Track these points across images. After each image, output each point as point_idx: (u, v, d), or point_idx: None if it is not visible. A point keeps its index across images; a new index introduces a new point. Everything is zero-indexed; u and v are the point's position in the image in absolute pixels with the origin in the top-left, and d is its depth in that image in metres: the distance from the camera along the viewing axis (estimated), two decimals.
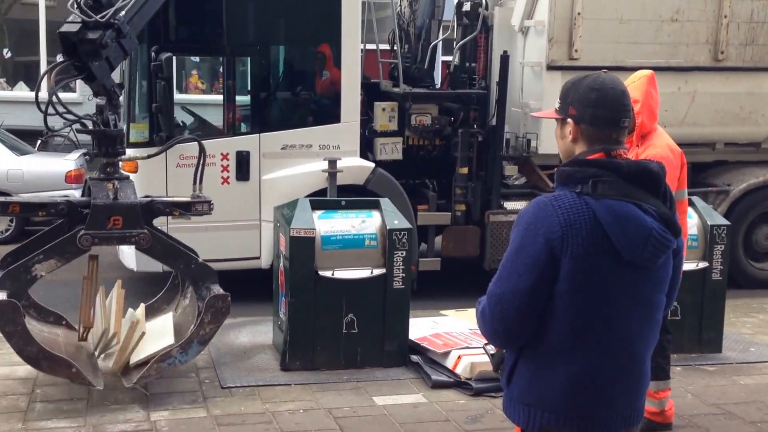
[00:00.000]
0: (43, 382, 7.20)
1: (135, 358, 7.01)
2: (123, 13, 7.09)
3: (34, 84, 20.19)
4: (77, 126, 7.46)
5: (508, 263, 3.28)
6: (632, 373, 3.35)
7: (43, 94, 7.16)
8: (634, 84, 6.09)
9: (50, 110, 6.82)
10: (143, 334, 7.00)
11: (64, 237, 6.93)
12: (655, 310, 3.35)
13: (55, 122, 18.85)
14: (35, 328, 7.14)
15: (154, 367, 6.85)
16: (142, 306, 7.60)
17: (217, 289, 7.07)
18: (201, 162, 7.42)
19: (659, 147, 6.05)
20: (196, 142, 7.68)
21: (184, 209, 7.33)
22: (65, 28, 6.95)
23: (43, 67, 20.08)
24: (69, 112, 7.04)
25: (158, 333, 7.34)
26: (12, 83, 20.51)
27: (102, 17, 6.91)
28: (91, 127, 7.24)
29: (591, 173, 3.23)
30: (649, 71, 6.28)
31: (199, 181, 7.44)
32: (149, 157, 7.73)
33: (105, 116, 7.13)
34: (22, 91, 20.35)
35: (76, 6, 6.94)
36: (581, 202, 3.20)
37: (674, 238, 3.27)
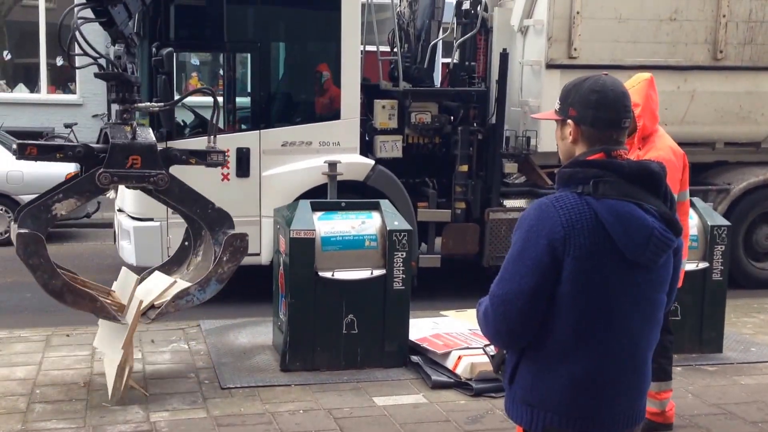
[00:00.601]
0: (42, 382, 7.22)
1: (149, 298, 6.98)
2: None
3: (34, 86, 20.30)
4: (96, 70, 7.44)
5: (510, 265, 3.28)
6: (634, 372, 3.34)
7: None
8: (634, 88, 6.08)
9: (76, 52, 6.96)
10: (138, 278, 7.08)
11: (83, 176, 6.95)
12: (657, 310, 3.36)
13: (56, 124, 18.91)
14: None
15: (172, 303, 6.93)
16: (124, 269, 7.67)
17: (233, 231, 7.12)
18: (215, 115, 7.48)
19: (661, 149, 6.04)
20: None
21: (200, 158, 7.38)
22: None
23: (43, 69, 20.17)
24: (93, 49, 7.05)
25: (165, 282, 7.39)
26: (12, 85, 20.53)
27: None
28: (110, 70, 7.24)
29: (592, 174, 3.23)
30: (648, 74, 6.28)
31: (214, 134, 7.48)
32: (165, 107, 7.72)
33: (123, 62, 7.13)
34: (21, 93, 20.40)
35: None
36: (583, 202, 3.21)
37: (675, 238, 3.27)
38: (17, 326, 8.84)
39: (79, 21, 6.87)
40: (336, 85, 10.24)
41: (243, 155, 9.84)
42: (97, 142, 7.46)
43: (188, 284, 7.14)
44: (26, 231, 6.53)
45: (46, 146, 7.24)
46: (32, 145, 7.11)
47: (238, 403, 6.92)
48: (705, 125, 10.88)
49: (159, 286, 7.15)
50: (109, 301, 6.96)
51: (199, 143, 9.64)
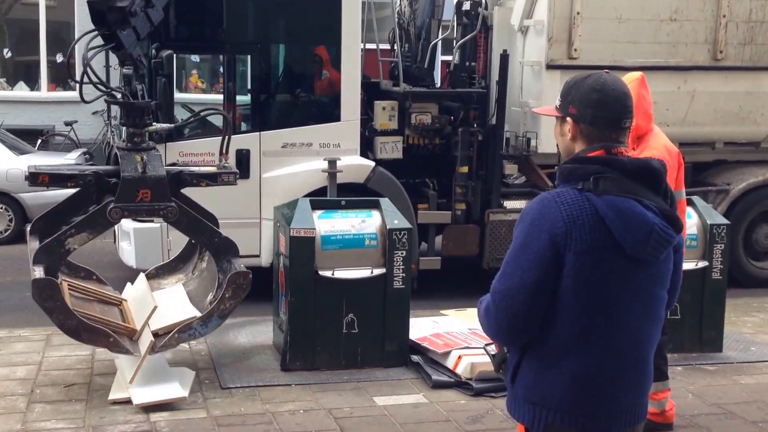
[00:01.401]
0: (42, 382, 7.23)
1: (156, 325, 7.10)
2: None
3: (34, 84, 20.30)
4: (107, 97, 7.64)
5: (512, 260, 3.29)
6: (635, 369, 3.36)
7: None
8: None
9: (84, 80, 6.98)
10: (155, 307, 7.10)
11: (95, 210, 7.07)
12: (658, 306, 3.38)
13: (56, 122, 18.94)
14: (68, 284, 7.30)
15: (175, 336, 7.02)
16: (142, 277, 7.79)
17: (239, 265, 7.20)
18: (227, 135, 7.55)
19: (656, 148, 6.07)
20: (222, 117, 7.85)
21: (210, 180, 7.50)
22: None
23: (43, 66, 20.17)
24: (101, 82, 7.25)
25: (175, 302, 7.51)
26: (12, 83, 20.56)
27: None
28: (120, 98, 7.37)
29: (593, 170, 3.26)
30: (639, 73, 6.31)
31: (226, 152, 7.58)
32: (175, 127, 7.76)
33: (133, 87, 7.25)
34: (22, 91, 20.40)
35: None
36: (583, 198, 3.23)
37: (676, 234, 3.29)
38: (17, 325, 8.86)
39: (90, 53, 6.96)
40: (336, 86, 10.26)
41: (243, 157, 9.85)
42: (107, 162, 7.52)
43: (192, 310, 7.29)
44: (41, 277, 6.64)
45: (58, 175, 7.40)
46: (44, 173, 7.31)
47: (239, 402, 6.92)
48: (705, 125, 10.89)
49: (169, 315, 7.25)
50: (121, 326, 7.11)
51: (201, 143, 9.74)
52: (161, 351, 7.07)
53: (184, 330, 7.04)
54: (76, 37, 6.96)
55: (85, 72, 6.89)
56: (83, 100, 7.52)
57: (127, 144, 7.26)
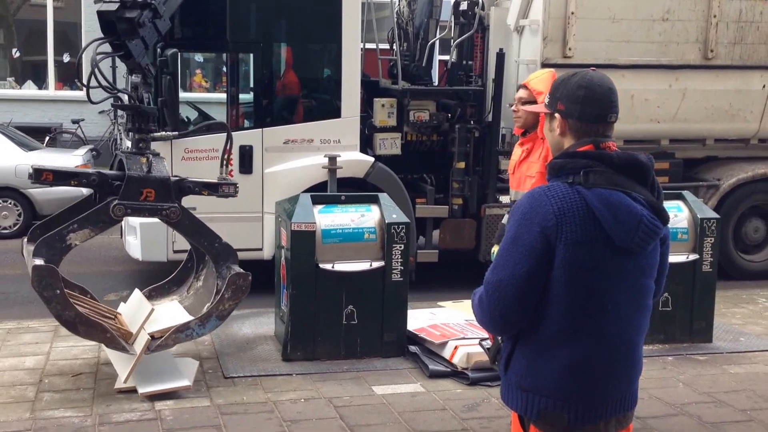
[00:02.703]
0: (51, 372, 7.28)
1: (151, 328, 7.01)
2: None
3: (42, 83, 20.36)
4: (113, 101, 7.68)
5: (504, 252, 3.34)
6: (626, 357, 3.41)
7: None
8: (537, 78, 6.21)
9: (92, 84, 7.07)
10: (152, 310, 7.08)
11: (98, 207, 7.05)
12: (646, 295, 3.44)
13: (63, 119, 19.06)
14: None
15: (172, 336, 6.96)
16: (137, 291, 7.71)
17: (237, 268, 7.20)
18: (228, 148, 7.60)
19: None
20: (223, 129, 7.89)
21: (212, 190, 7.48)
22: (104, 7, 7.13)
23: (51, 66, 20.27)
24: (110, 85, 7.27)
25: (171, 311, 7.46)
26: (21, 82, 20.62)
27: None
28: (126, 102, 7.40)
29: (582, 164, 3.31)
30: (551, 69, 6.32)
31: (225, 165, 7.63)
32: (180, 136, 7.84)
33: (140, 93, 7.31)
34: (30, 90, 20.50)
35: None
36: (573, 191, 3.28)
37: (663, 225, 3.37)
38: (26, 317, 8.91)
39: (99, 57, 7.04)
40: (336, 84, 10.34)
41: (246, 153, 9.93)
42: (111, 168, 7.61)
43: (189, 318, 7.19)
44: (41, 264, 6.60)
45: (62, 172, 7.34)
46: (48, 170, 7.24)
47: (241, 392, 6.98)
48: (696, 122, 10.94)
49: (165, 321, 7.19)
50: (116, 328, 7.05)
51: (206, 139, 9.83)
52: (158, 351, 6.98)
53: (182, 330, 6.99)
54: (83, 38, 7.09)
55: (92, 74, 6.95)
56: (91, 101, 7.59)
57: (132, 149, 7.30)
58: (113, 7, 7.08)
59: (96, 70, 6.93)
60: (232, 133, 7.88)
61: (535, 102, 5.86)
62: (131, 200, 7.01)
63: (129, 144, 7.63)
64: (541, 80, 6.16)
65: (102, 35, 7.25)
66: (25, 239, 7.55)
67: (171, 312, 7.45)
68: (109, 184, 7.14)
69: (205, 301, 7.45)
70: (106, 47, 7.27)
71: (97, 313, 7.32)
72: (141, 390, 6.82)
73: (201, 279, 7.95)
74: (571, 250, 3.25)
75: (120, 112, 8.23)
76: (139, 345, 6.87)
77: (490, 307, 3.37)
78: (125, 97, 7.42)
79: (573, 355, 3.32)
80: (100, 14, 7.15)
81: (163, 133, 7.78)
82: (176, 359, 7.42)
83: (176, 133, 7.88)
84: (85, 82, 7.16)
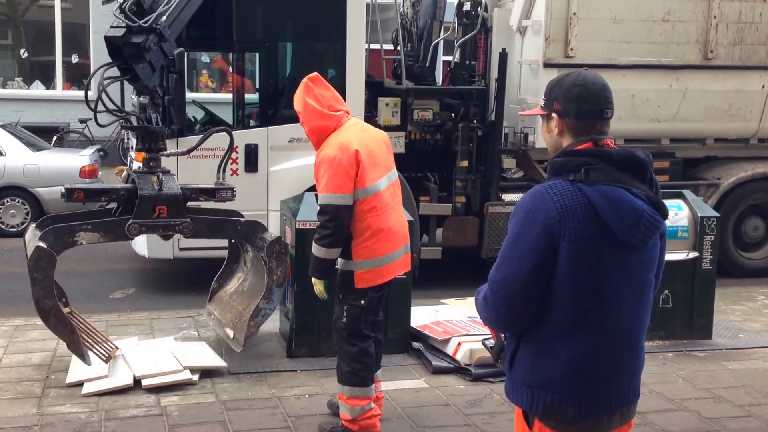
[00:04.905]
0: (57, 368, 7.34)
1: (140, 371, 7.17)
2: (164, 18, 7.39)
3: (50, 83, 20.45)
4: (123, 122, 7.84)
5: (508, 250, 3.36)
6: (630, 351, 3.44)
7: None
8: (294, 97, 6.14)
9: (99, 107, 7.19)
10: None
11: (115, 219, 7.25)
12: (647, 290, 3.47)
13: (71, 119, 19.02)
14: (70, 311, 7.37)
15: (251, 324, 7.26)
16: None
17: (269, 236, 7.37)
18: (228, 153, 7.70)
19: (329, 147, 5.93)
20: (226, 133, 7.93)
21: (209, 195, 7.61)
22: (111, 32, 7.26)
23: (59, 66, 20.38)
24: (118, 108, 7.44)
25: (163, 352, 7.59)
26: (29, 82, 20.74)
27: (145, 22, 7.21)
28: (135, 123, 7.55)
29: (583, 162, 3.34)
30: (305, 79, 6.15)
31: (222, 170, 7.71)
32: (189, 152, 7.93)
33: (148, 114, 7.45)
34: (38, 90, 20.63)
35: (120, 12, 7.24)
36: (575, 188, 3.31)
37: (663, 220, 3.41)
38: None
39: (106, 82, 7.16)
40: (341, 84, 10.36)
41: (251, 151, 10.02)
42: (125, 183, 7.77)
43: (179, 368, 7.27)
44: (44, 246, 6.72)
45: (92, 190, 7.56)
46: (80, 189, 7.45)
47: (246, 387, 7.04)
48: (696, 122, 11.00)
49: (149, 365, 7.28)
50: (86, 338, 7.14)
51: (210, 140, 9.91)
52: (247, 343, 7.29)
53: (255, 315, 7.25)
54: (91, 38, 7.21)
55: (99, 98, 7.08)
56: (98, 125, 7.71)
57: (143, 169, 7.44)
58: (120, 32, 7.20)
59: (103, 95, 7.06)
60: (236, 132, 7.93)
61: None
62: (145, 218, 7.17)
63: (135, 143, 7.71)
64: (295, 98, 6.15)
65: (110, 60, 7.39)
66: (34, 224, 7.71)
67: (162, 352, 7.58)
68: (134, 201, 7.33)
69: (260, 269, 7.59)
70: (114, 71, 7.39)
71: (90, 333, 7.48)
72: (145, 383, 6.95)
73: (248, 250, 8.15)
74: (575, 246, 3.28)
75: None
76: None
77: (495, 305, 3.40)
78: (134, 119, 7.56)
79: (577, 349, 3.35)
80: (108, 40, 7.28)
81: (172, 150, 7.94)
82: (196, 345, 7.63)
83: (185, 150, 7.97)
84: (92, 106, 7.28)
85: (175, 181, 7.43)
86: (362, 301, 6.05)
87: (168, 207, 7.22)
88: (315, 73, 6.19)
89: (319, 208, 5.95)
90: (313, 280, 6.08)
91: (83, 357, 6.92)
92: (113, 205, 7.72)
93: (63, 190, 7.33)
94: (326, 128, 6.01)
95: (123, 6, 7.27)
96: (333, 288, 6.21)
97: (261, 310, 7.27)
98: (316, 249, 5.96)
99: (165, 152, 7.60)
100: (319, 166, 5.92)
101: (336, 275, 6.09)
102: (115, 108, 7.38)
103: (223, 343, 7.97)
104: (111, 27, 7.33)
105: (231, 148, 7.71)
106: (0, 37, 21.93)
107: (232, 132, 7.97)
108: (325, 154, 5.89)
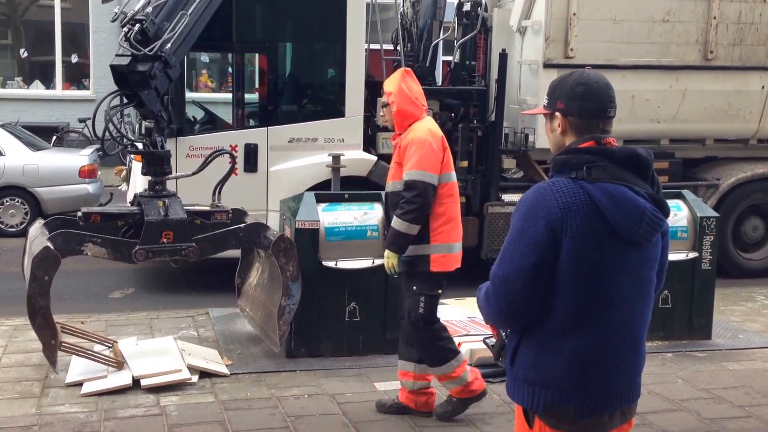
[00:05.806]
0: (57, 368, 7.26)
1: (139, 371, 7.17)
2: (169, 45, 7.41)
3: (49, 82, 20.54)
4: (130, 146, 8.01)
5: (510, 246, 3.36)
6: (631, 348, 3.44)
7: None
8: (387, 81, 6.47)
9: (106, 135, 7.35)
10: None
11: (124, 240, 7.31)
12: (649, 287, 3.47)
13: (70, 119, 19.03)
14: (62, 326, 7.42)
15: (280, 324, 7.32)
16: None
17: (272, 235, 7.39)
18: (227, 175, 7.81)
19: (419, 131, 6.28)
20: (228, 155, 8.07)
21: (204, 218, 7.64)
22: (116, 61, 7.35)
23: (59, 66, 20.44)
24: (123, 136, 7.58)
25: (164, 351, 7.61)
26: (28, 82, 20.79)
27: (150, 50, 7.27)
28: (141, 148, 7.63)
29: (585, 159, 3.35)
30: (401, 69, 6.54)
31: (219, 192, 7.78)
32: (193, 174, 7.95)
33: (153, 138, 7.53)
34: (38, 90, 20.68)
35: (125, 41, 7.27)
36: (577, 186, 3.32)
37: (665, 218, 3.42)
38: None
39: (112, 111, 7.26)
40: (341, 84, 10.40)
41: (251, 151, 10.02)
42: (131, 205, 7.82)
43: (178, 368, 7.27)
44: (53, 249, 6.77)
45: (108, 214, 7.59)
46: (96, 213, 7.55)
47: (245, 388, 7.03)
48: (695, 122, 11.01)
49: (149, 365, 7.30)
50: (63, 345, 7.11)
51: (210, 137, 9.95)
52: (282, 342, 7.38)
53: (282, 313, 7.28)
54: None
55: (106, 128, 7.18)
56: (105, 154, 7.76)
57: (149, 192, 7.49)
58: (125, 61, 7.27)
59: (110, 124, 7.18)
60: (235, 132, 7.92)
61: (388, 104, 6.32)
62: (151, 244, 7.22)
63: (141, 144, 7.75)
64: (389, 81, 6.45)
65: (116, 87, 7.49)
66: (42, 220, 7.75)
67: (163, 351, 7.58)
68: None
69: (274, 261, 7.60)
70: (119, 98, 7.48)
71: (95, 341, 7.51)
72: (144, 383, 6.96)
73: (262, 255, 8.16)
74: (577, 242, 3.28)
75: (126, 111, 8.29)
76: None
77: (497, 301, 3.41)
78: (139, 145, 7.63)
79: (579, 346, 3.35)
80: (113, 68, 7.35)
81: (177, 174, 8.00)
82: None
83: (190, 173, 8.00)
84: (99, 135, 7.42)
85: (180, 205, 7.47)
86: (439, 290, 6.37)
87: (174, 232, 7.29)
88: (409, 68, 6.54)
89: (404, 185, 6.15)
90: (387, 253, 6.27)
91: (52, 364, 6.96)
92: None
93: (80, 214, 7.42)
94: (412, 114, 6.37)
95: (128, 35, 7.30)
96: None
97: (285, 308, 7.31)
98: (398, 223, 6.17)
99: (170, 176, 7.68)
100: (408, 146, 6.21)
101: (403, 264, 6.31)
102: (119, 136, 7.52)
103: (223, 344, 7.97)
104: (116, 56, 7.41)
105: (231, 171, 7.80)
106: (0, 37, 21.98)
107: (232, 131, 7.97)
108: (415, 136, 6.21)
